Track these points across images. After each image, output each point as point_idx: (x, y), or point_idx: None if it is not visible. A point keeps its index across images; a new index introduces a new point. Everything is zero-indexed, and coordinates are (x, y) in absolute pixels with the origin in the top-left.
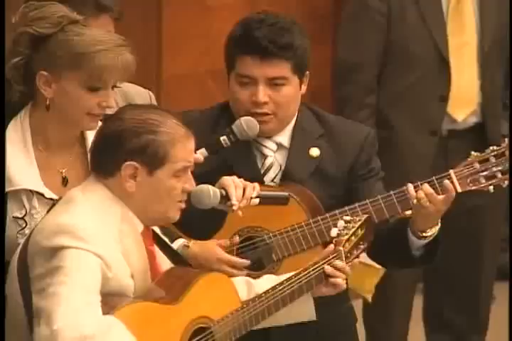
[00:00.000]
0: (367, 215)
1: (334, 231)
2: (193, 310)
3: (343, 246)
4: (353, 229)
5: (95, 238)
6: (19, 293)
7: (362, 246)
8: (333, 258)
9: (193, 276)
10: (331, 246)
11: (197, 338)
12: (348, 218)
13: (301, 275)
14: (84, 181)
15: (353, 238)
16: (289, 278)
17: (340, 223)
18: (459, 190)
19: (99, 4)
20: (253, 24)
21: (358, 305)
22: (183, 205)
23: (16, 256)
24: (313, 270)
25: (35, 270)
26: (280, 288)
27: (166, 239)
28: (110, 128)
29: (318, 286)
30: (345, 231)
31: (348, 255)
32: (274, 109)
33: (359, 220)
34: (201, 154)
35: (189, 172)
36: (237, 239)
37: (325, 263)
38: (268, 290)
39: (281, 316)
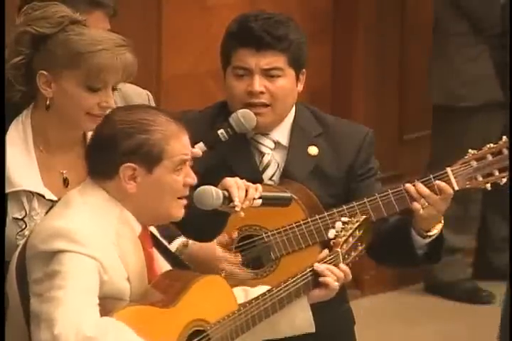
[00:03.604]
0: (365, 216)
1: (332, 233)
2: (189, 312)
3: (341, 248)
4: (351, 231)
5: (92, 241)
6: (17, 295)
7: (360, 248)
8: (330, 259)
9: (190, 279)
10: (326, 251)
11: None
12: (345, 219)
13: (297, 277)
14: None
15: (350, 239)
16: (285, 280)
17: (338, 224)
18: (456, 188)
19: (93, 0)
20: (248, 18)
21: (356, 307)
22: (185, 202)
23: (14, 258)
24: (310, 271)
25: (33, 274)
26: (277, 290)
27: (165, 242)
28: (102, 132)
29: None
30: (342, 233)
31: (346, 256)
32: (271, 100)
33: (357, 221)
34: (199, 148)
35: (188, 166)
36: (235, 234)
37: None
38: (265, 292)
39: (280, 328)
